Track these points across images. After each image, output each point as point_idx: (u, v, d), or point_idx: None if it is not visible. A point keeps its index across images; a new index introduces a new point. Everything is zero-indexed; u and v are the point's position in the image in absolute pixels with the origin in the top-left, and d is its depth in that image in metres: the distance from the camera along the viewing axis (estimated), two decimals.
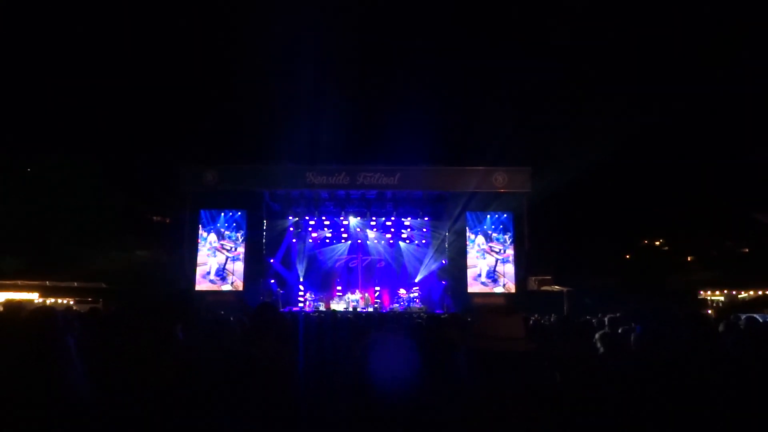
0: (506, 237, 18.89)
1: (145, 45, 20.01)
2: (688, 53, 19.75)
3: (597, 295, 15.63)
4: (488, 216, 19.01)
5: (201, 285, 18.44)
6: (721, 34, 18.87)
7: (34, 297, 18.07)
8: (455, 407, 1.92)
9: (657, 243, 29.10)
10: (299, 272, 20.50)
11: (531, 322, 6.71)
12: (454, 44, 20.31)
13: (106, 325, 4.69)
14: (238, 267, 18.65)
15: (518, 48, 20.62)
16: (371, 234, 21.04)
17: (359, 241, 21.11)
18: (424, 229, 20.75)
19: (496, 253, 18.77)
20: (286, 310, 17.52)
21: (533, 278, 19.05)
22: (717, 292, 21.13)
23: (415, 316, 12.04)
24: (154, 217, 24.17)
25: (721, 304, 20.33)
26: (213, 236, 18.79)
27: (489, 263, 18.76)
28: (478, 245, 18.87)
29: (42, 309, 2.90)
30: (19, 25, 19.10)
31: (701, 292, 21.05)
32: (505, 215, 18.99)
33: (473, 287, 18.61)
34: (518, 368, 1.83)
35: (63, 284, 19.44)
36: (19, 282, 18.74)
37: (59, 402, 2.48)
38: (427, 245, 20.70)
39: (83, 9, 19.13)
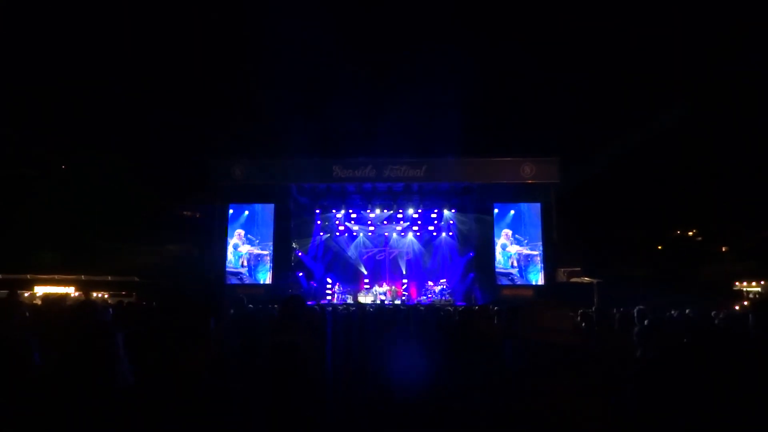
0: (535, 228, 18.65)
1: (175, 42, 20.31)
2: (724, 44, 19.22)
3: (628, 287, 15.35)
4: (517, 207, 18.80)
5: (231, 278, 18.72)
6: (743, 26, 18.30)
7: (71, 291, 18.62)
8: (481, 397, 1.93)
9: (690, 233, 28.47)
10: (326, 265, 20.61)
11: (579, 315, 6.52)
12: (480, 35, 20.11)
13: (141, 317, 4.81)
14: (268, 260, 18.86)
15: (546, 38, 20.33)
16: (398, 227, 21.03)
17: (386, 233, 21.11)
18: (451, 221, 20.64)
19: (525, 244, 18.56)
20: (314, 303, 17.63)
21: (562, 270, 18.78)
22: (753, 284, 20.60)
23: (441, 308, 12.00)
24: (185, 212, 24.59)
25: (758, 296, 19.82)
26: (242, 230, 19.02)
27: (518, 254, 18.58)
28: (506, 236, 18.69)
29: (86, 302, 3.00)
30: (51, 25, 19.55)
31: (736, 284, 20.57)
32: (533, 206, 18.75)
33: (501, 279, 18.48)
34: (566, 360, 1.85)
35: (98, 278, 19.97)
36: (56, 276, 19.34)
37: (105, 392, 2.55)
38: (454, 237, 20.59)
39: (114, 8, 19.49)
